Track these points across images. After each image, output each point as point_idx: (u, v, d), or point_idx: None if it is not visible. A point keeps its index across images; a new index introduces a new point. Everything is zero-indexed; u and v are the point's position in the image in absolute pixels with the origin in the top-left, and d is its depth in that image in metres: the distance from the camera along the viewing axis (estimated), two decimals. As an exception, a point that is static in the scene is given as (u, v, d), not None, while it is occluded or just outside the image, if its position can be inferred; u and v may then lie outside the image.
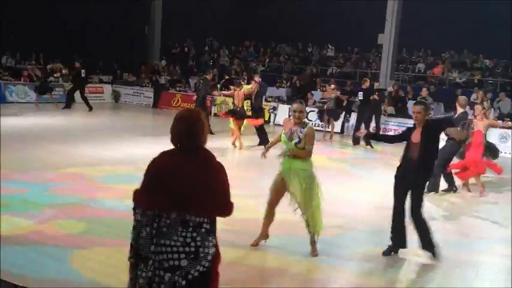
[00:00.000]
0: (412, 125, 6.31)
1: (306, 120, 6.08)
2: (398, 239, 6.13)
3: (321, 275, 5.57)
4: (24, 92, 20.58)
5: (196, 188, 3.11)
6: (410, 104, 16.34)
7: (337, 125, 18.21)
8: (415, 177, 5.92)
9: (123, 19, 25.31)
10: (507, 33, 19.95)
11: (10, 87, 20.31)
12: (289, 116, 6.14)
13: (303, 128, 5.82)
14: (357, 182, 10.34)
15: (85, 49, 23.91)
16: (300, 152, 5.82)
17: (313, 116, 17.56)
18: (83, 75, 19.56)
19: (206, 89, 15.68)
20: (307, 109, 16.80)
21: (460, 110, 9.51)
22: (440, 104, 18.67)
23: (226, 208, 3.21)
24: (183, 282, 3.08)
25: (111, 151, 11.69)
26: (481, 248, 6.96)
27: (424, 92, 16.42)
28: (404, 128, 6.35)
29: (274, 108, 19.44)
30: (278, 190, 5.97)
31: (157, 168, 3.21)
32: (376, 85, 16.57)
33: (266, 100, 20.34)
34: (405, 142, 6.18)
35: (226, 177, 3.23)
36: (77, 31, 23.76)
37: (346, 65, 24.88)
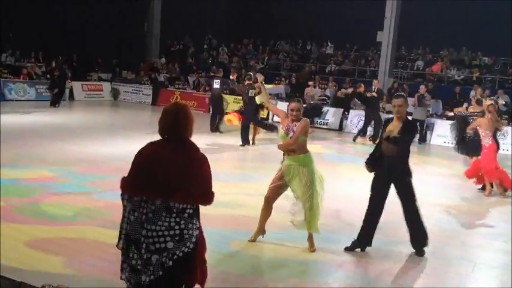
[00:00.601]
0: (388, 118, 6.28)
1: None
2: (366, 236, 6.07)
3: (317, 271, 5.60)
4: (23, 89, 20.59)
5: (181, 178, 3.26)
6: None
7: (336, 122, 18.28)
8: (399, 175, 5.88)
9: (123, 19, 25.29)
10: (506, 31, 19.98)
11: (9, 85, 20.31)
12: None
13: (299, 122, 5.94)
14: (355, 177, 10.33)
15: (84, 49, 23.91)
16: (289, 142, 5.87)
17: (311, 114, 17.62)
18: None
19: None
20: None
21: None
22: (439, 101, 18.71)
23: (207, 197, 3.37)
24: (170, 263, 3.24)
25: (110, 148, 11.71)
26: (478, 243, 6.99)
27: (422, 89, 16.40)
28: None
29: (273, 105, 19.46)
30: (276, 187, 6.04)
31: (145, 157, 3.36)
32: (374, 83, 16.60)
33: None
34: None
35: (209, 168, 3.39)
36: (77, 31, 23.74)
37: (345, 63, 24.87)
